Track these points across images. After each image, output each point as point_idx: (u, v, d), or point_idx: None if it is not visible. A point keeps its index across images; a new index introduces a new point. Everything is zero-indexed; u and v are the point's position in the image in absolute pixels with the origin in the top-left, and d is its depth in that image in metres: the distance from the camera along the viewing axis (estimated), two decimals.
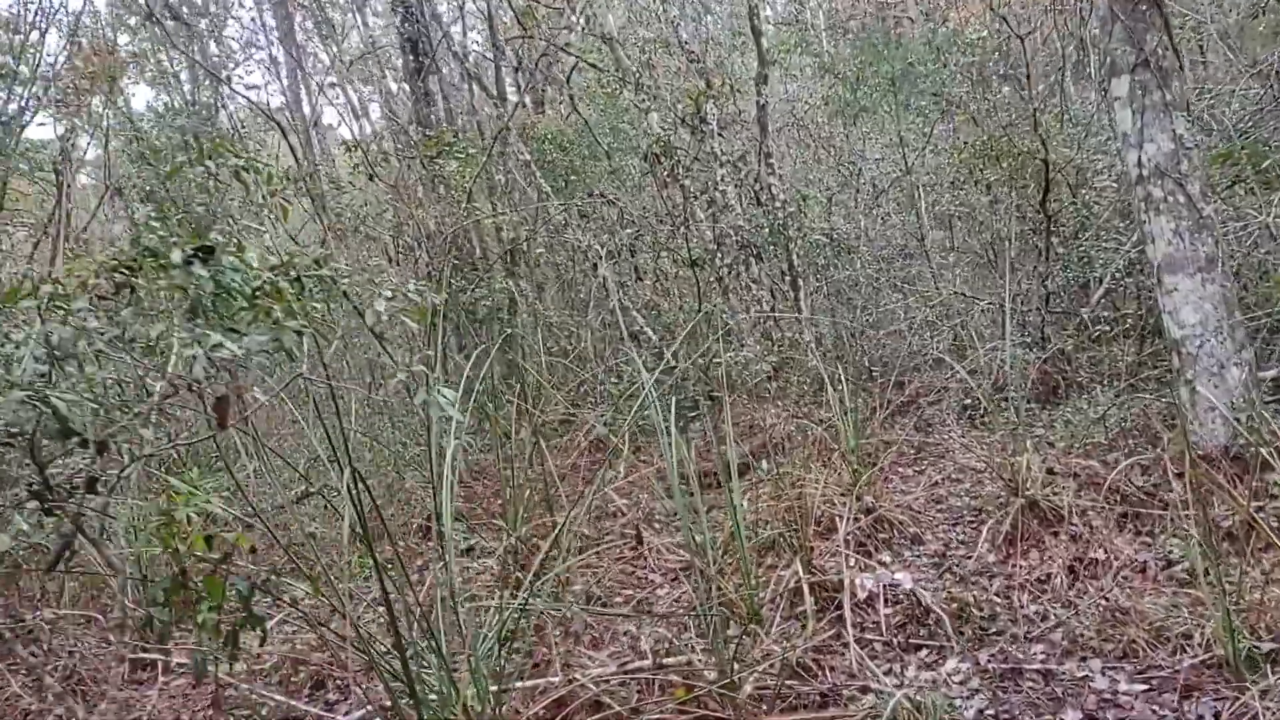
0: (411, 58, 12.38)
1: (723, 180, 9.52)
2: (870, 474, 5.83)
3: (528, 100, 13.83)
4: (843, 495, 5.19)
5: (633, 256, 9.07)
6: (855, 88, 10.54)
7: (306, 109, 19.36)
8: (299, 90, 19.42)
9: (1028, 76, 7.24)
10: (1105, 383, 6.78)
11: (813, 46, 13.33)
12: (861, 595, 4.11)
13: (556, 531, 4.23)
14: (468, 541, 5.59)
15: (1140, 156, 4.47)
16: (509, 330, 9.40)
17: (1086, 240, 8.63)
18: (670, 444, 4.07)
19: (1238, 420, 4.36)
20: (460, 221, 8.83)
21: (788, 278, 9.62)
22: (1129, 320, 7.13)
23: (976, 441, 6.83)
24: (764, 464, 6.59)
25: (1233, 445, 4.40)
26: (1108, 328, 8.09)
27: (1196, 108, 5.44)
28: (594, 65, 9.62)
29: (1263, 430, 4.29)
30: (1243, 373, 4.45)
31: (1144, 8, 4.36)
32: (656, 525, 5.79)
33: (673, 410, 4.28)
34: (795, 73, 14.17)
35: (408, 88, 13.06)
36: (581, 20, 9.23)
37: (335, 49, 22.83)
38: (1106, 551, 4.18)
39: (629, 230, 9.19)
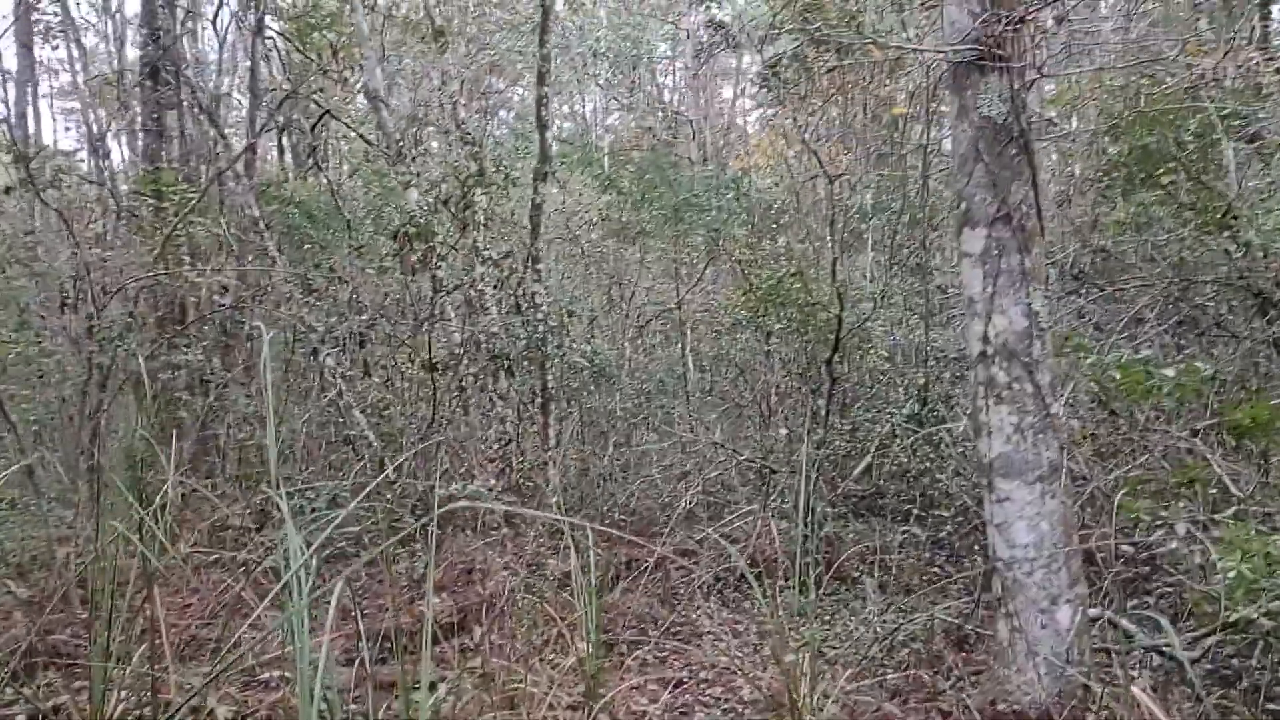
0: (150, 84, 10.59)
1: (482, 279, 8.32)
2: (605, 663, 4.62)
3: (269, 149, 12.17)
4: (572, 709, 3.91)
5: (361, 347, 7.60)
6: (639, 207, 9.73)
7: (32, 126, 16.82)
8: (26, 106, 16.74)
9: (831, 221, 6.56)
10: (879, 580, 5.99)
11: (595, 166, 12.57)
12: None
13: None
14: None
15: (987, 330, 3.64)
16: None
17: (858, 409, 8.06)
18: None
19: (1065, 674, 3.49)
20: (150, 271, 7.10)
21: (538, 399, 8.45)
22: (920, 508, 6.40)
23: (729, 628, 5.79)
24: (477, 631, 5.26)
25: (1056, 704, 3.51)
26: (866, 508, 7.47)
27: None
28: (350, 126, 8.26)
29: (1092, 689, 3.44)
30: (1075, 613, 3.61)
31: (1013, 152, 3.60)
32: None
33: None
34: (576, 189, 13.39)
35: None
36: (350, 75, 7.90)
37: (78, 67, 20.28)
38: None
39: (363, 316, 7.74)
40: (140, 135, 11.63)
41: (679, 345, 9.92)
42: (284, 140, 12.80)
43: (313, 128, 9.07)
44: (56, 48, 19.05)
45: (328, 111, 8.03)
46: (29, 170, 6.33)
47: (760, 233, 10.59)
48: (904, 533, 6.73)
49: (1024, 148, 3.61)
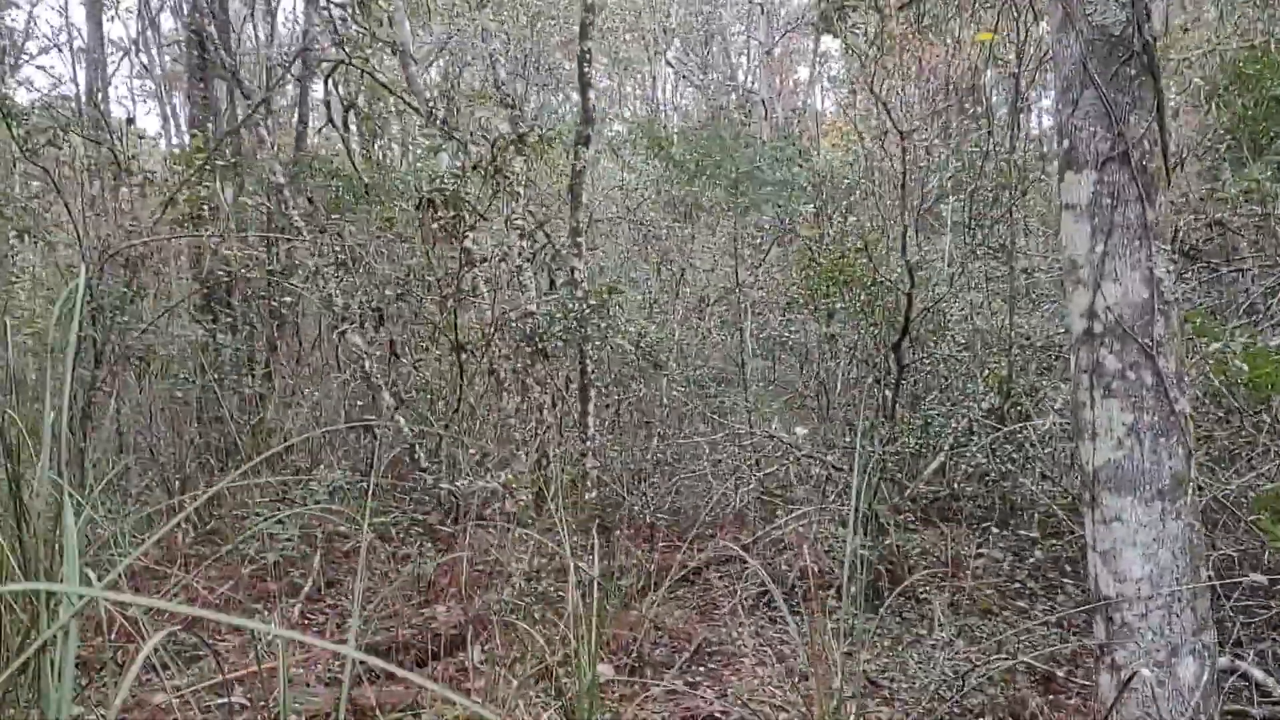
0: (197, 53, 10.18)
1: (518, 252, 7.66)
2: (620, 692, 3.91)
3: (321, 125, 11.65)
4: None
5: (380, 325, 6.99)
6: (693, 177, 8.96)
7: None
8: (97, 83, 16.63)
9: (903, 186, 5.72)
10: (952, 604, 5.18)
11: (660, 138, 11.81)
12: None
13: None
14: None
15: (1095, 302, 2.83)
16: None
17: (930, 401, 7.20)
18: None
19: None
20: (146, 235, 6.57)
21: (575, 385, 7.76)
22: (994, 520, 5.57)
23: (772, 651, 5.03)
24: (476, 650, 4.60)
25: None
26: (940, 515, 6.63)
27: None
28: (383, 85, 7.64)
29: None
30: (1202, 668, 2.78)
31: (1132, 73, 2.77)
32: None
33: None
34: (637, 165, 12.63)
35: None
36: (376, 24, 7.27)
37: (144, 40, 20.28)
38: None
39: (386, 289, 7.12)
40: (188, 104, 11.26)
41: (739, 331, 9.13)
42: (348, 116, 12.29)
43: (326, 79, 8.47)
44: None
45: (342, 61, 7.40)
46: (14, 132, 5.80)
47: (829, 211, 9.75)
48: (981, 545, 5.89)
49: (1147, 66, 2.78)
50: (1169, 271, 2.80)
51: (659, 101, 24.83)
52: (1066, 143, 2.88)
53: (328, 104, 11.70)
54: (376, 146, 10.86)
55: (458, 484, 5.59)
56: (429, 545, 5.75)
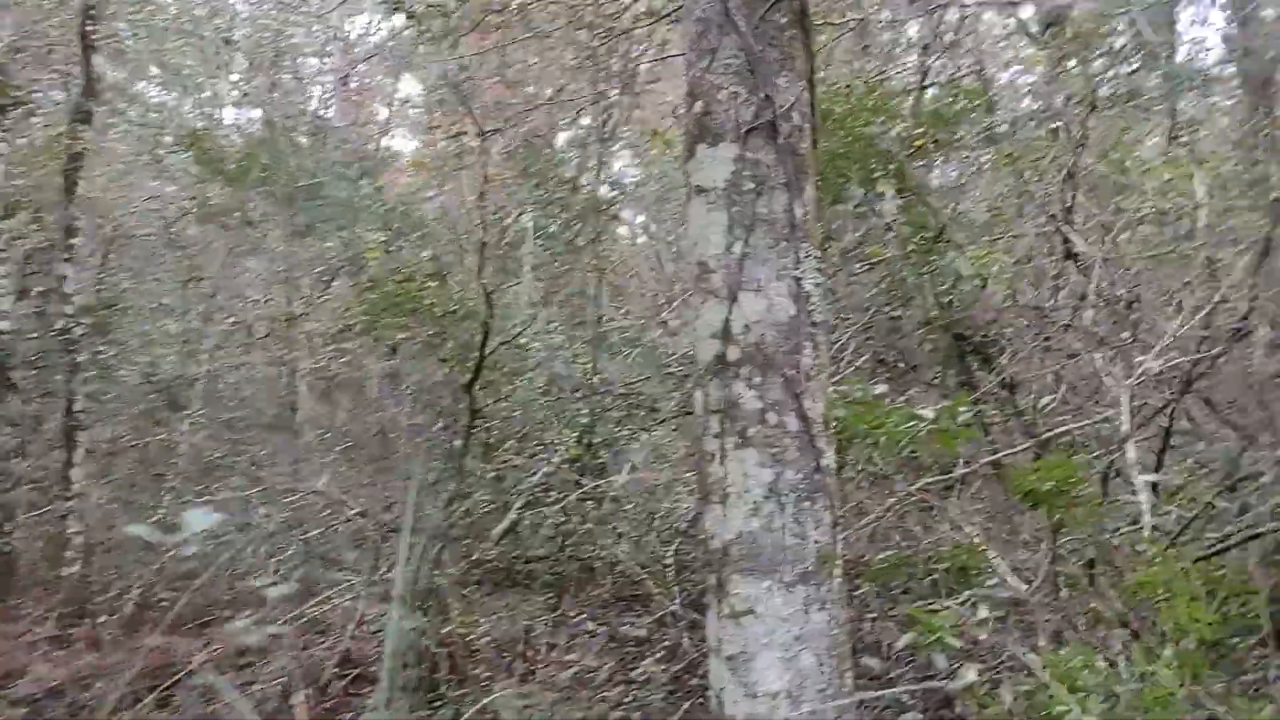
0: None
1: None
2: None
3: None
4: None
5: None
6: (238, 184, 7.53)
7: None
8: None
9: (481, 195, 4.88)
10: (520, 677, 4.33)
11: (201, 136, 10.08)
12: None
13: None
14: None
15: (732, 317, 2.11)
16: None
17: (506, 451, 6.42)
18: None
19: None
20: None
21: (64, 423, 6.02)
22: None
23: None
24: None
25: None
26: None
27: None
28: None
29: None
30: None
31: (783, 21, 2.11)
32: None
33: None
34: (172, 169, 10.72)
35: None
36: None
37: None
38: None
39: None
40: None
41: (285, 368, 7.78)
42: None
43: None
44: None
45: None
46: None
47: (400, 242, 8.74)
48: (558, 617, 5.15)
49: (799, 16, 2.14)
50: (818, 285, 2.15)
51: (220, 119, 22.44)
52: (700, 105, 2.15)
53: None
54: None
55: None
56: None
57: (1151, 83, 9.87)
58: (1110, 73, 7.34)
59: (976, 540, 3.39)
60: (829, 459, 2.17)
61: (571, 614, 5.72)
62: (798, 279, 2.11)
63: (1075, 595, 3.20)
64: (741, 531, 2.12)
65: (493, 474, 6.21)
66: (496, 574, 6.16)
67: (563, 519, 5.51)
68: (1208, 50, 14.01)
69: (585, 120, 9.17)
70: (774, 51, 2.11)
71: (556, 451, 5.95)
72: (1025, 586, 3.10)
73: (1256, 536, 3.93)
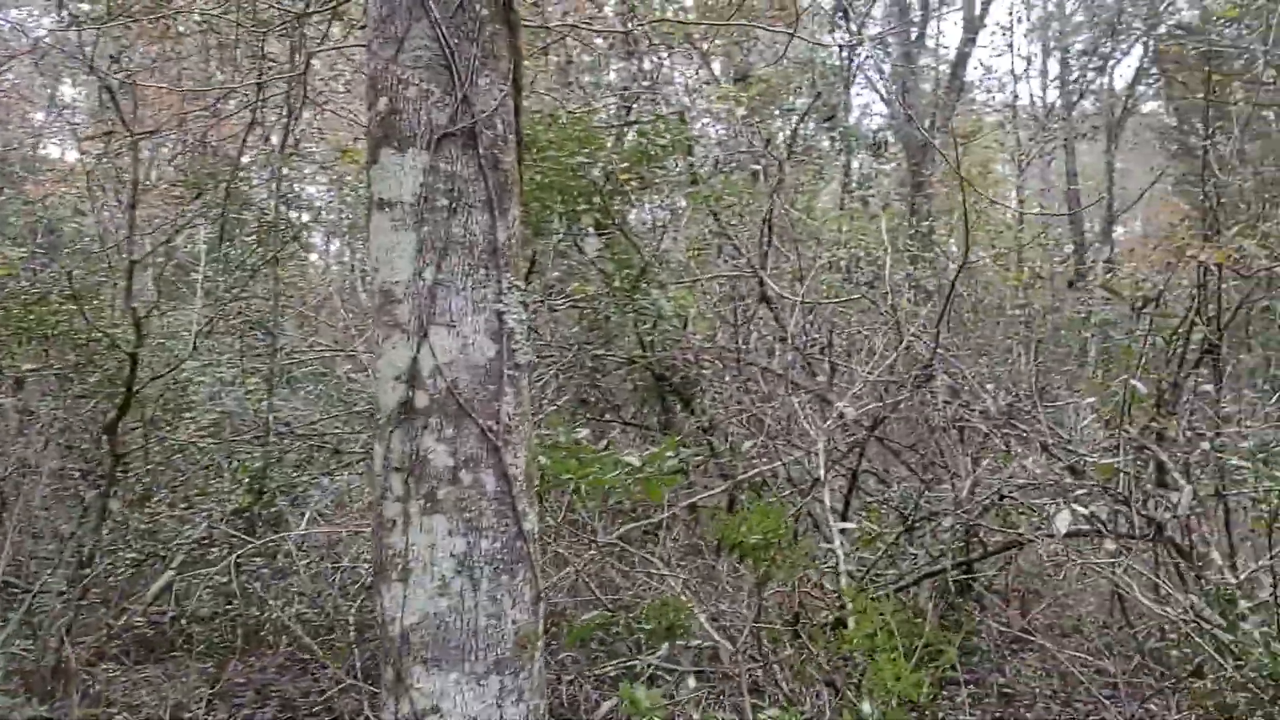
0: None
1: None
2: None
3: None
4: None
5: None
6: None
7: None
8: None
9: (132, 205, 4.19)
10: None
11: None
12: None
13: None
14: None
15: (421, 358, 1.77)
16: None
17: (161, 500, 5.60)
18: None
19: None
20: None
21: None
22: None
23: None
24: None
25: None
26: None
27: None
28: None
29: None
30: None
31: (485, 12, 1.82)
32: None
33: None
34: None
35: None
36: None
37: None
38: None
39: None
40: None
41: None
42: None
43: None
44: None
45: None
46: None
47: (43, 259, 7.55)
48: (220, 689, 4.47)
49: (505, 9, 1.85)
50: (521, 321, 1.85)
51: None
52: (384, 102, 1.80)
53: None
54: None
55: None
56: None
57: (825, 143, 10.61)
58: (792, 127, 7.71)
59: (678, 592, 3.22)
60: (531, 522, 1.87)
61: (239, 681, 5.04)
62: (499, 314, 1.81)
63: (778, 650, 3.10)
64: (426, 614, 1.76)
65: (146, 526, 5.39)
66: (149, 642, 5.34)
67: (227, 577, 4.82)
68: (875, 115, 15.38)
69: (272, 137, 8.46)
70: (473, 47, 1.81)
71: (224, 500, 5.26)
72: (729, 645, 2.95)
73: (932, 575, 4.07)
